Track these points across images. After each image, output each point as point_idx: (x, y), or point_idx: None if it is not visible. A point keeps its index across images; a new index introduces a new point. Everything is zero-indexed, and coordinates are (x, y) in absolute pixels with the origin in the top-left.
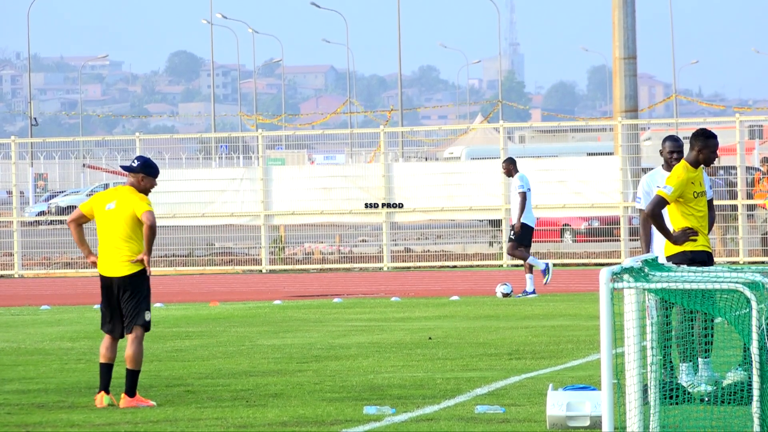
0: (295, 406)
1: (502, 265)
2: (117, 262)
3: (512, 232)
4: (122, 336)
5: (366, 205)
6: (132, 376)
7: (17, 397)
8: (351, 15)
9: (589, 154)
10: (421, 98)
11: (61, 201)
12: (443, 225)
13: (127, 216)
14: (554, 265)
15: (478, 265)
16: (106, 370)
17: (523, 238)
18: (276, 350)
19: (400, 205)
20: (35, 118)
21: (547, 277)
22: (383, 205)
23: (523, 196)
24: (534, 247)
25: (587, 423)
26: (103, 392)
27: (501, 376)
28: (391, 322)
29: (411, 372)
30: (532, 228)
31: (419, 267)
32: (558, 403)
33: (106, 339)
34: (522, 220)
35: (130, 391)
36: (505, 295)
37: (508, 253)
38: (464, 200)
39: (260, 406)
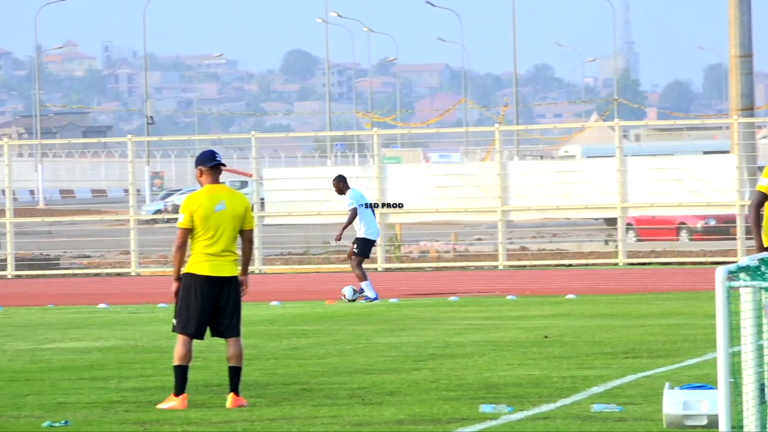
0: (411, 405)
1: (617, 264)
2: (226, 263)
3: (354, 246)
4: (202, 338)
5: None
6: (239, 374)
7: (135, 394)
8: (465, 13)
9: (705, 153)
10: (536, 97)
11: (178, 199)
12: (559, 223)
13: (239, 215)
14: (670, 263)
15: (593, 264)
16: (186, 372)
17: (364, 251)
18: (392, 348)
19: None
20: (151, 117)
21: (367, 298)
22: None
23: (353, 212)
24: (650, 245)
25: (704, 422)
26: (187, 394)
27: (617, 374)
28: (506, 321)
29: (527, 370)
30: (374, 241)
31: (535, 265)
32: (675, 402)
33: (187, 340)
34: (364, 234)
35: (238, 390)
36: (350, 300)
37: (352, 266)
38: (580, 199)
39: (376, 405)
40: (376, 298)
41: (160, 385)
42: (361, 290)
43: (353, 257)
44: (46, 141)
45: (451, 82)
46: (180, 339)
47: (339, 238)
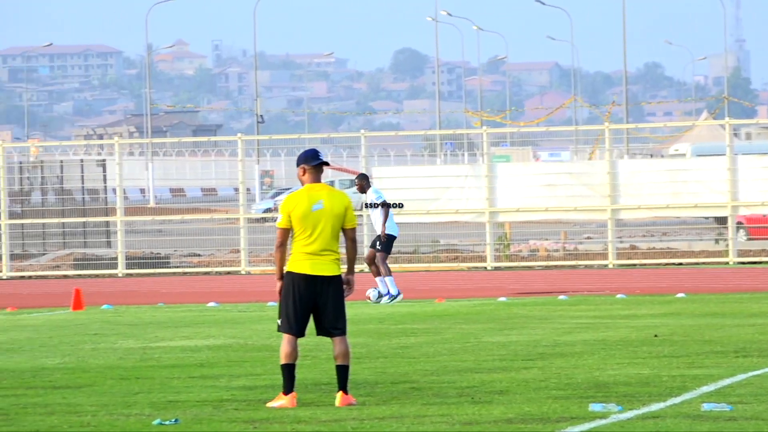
0: (521, 403)
1: (728, 263)
2: (326, 262)
3: (378, 242)
4: (303, 335)
5: (394, 205)
6: (346, 373)
7: (244, 393)
8: (575, 11)
9: None
10: (646, 95)
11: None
12: (668, 222)
13: (339, 214)
14: None
15: (704, 263)
16: (294, 370)
17: (387, 247)
18: (501, 347)
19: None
20: (261, 116)
21: (387, 299)
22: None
23: (386, 204)
24: (761, 244)
25: None
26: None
27: (727, 373)
28: (616, 320)
29: (636, 369)
30: (395, 237)
31: (644, 264)
32: None
33: (292, 339)
34: (387, 231)
35: (346, 388)
36: (375, 300)
37: (372, 263)
38: (690, 197)
39: (485, 403)
40: (399, 294)
41: (269, 384)
42: (387, 291)
43: (378, 254)
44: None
45: (561, 80)
46: (285, 338)
47: (384, 236)
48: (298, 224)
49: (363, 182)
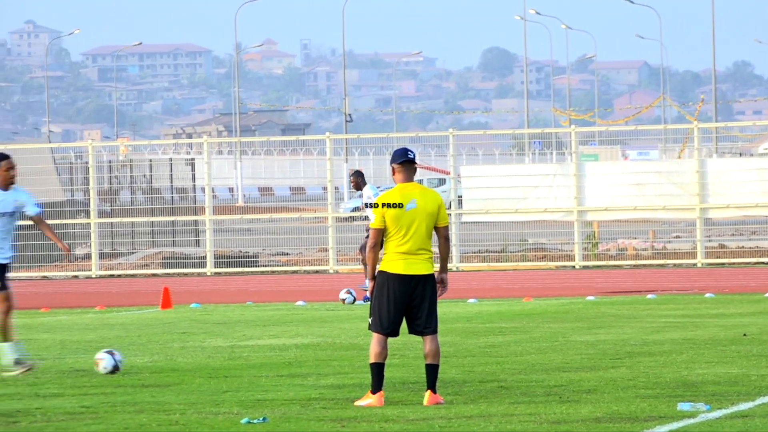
0: (609, 402)
1: None
2: (420, 261)
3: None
4: (396, 335)
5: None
6: (436, 372)
7: (333, 391)
8: (664, 10)
9: None
10: (735, 94)
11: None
12: (758, 221)
13: (432, 213)
14: None
15: None
16: (383, 369)
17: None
18: (589, 346)
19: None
20: (350, 115)
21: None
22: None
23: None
24: None
25: None
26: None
27: None
28: (705, 319)
29: (725, 368)
30: None
31: (733, 263)
32: None
33: (382, 338)
34: None
35: (435, 387)
36: (349, 302)
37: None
38: None
39: (573, 402)
40: (366, 298)
41: (357, 383)
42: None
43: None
44: (246, 138)
45: (650, 79)
46: (375, 337)
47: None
48: (392, 224)
49: (358, 179)
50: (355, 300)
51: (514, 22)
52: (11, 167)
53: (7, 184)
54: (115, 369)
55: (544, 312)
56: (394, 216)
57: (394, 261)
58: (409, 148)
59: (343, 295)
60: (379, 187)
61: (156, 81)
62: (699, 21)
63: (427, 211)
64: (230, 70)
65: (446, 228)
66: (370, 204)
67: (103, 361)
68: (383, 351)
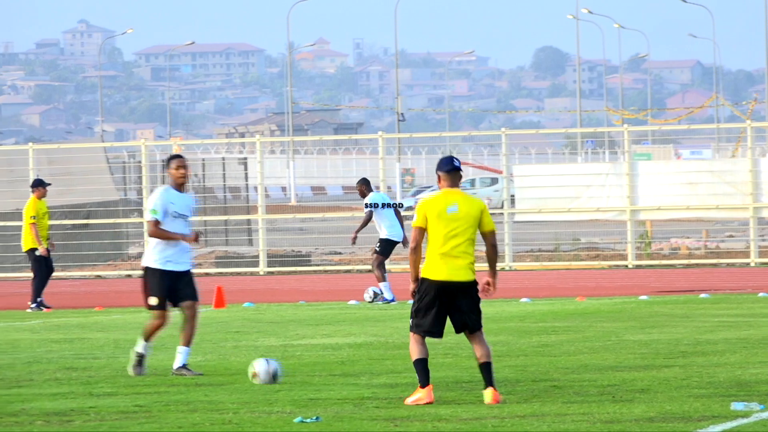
0: (662, 402)
1: None
2: (461, 266)
3: (377, 246)
4: (440, 337)
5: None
6: (490, 369)
7: (386, 391)
8: (717, 9)
9: None
10: None
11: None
12: None
13: (474, 217)
14: None
15: None
16: (426, 364)
17: (385, 251)
18: (642, 346)
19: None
20: (402, 114)
21: (385, 301)
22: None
23: (369, 215)
24: None
25: None
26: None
27: None
28: (758, 318)
29: None
30: (396, 242)
31: None
32: None
33: (420, 339)
34: (387, 236)
35: (494, 384)
36: (370, 302)
37: (372, 266)
38: None
39: (626, 402)
40: (393, 300)
41: (410, 382)
42: (381, 292)
43: (374, 256)
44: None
45: (703, 78)
46: (413, 337)
47: (354, 241)
48: (433, 225)
49: (363, 187)
50: (376, 296)
51: (567, 21)
52: (181, 166)
53: (180, 184)
54: (275, 378)
55: (596, 311)
56: (435, 217)
57: (436, 266)
58: (455, 156)
59: (368, 297)
60: (389, 190)
61: (209, 80)
62: (752, 20)
63: (470, 215)
64: (283, 69)
65: (493, 234)
66: (370, 204)
67: (259, 376)
68: (423, 348)
